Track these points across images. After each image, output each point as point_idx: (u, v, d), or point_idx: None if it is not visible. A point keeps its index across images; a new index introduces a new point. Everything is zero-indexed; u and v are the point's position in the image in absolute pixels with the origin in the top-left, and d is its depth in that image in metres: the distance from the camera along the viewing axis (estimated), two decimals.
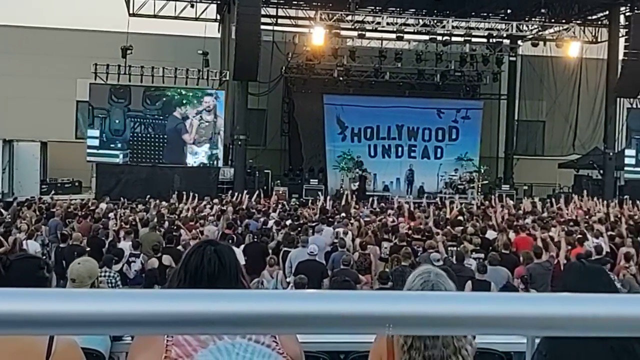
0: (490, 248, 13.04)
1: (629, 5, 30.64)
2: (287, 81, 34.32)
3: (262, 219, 17.12)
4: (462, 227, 15.26)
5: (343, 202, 22.46)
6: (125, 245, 12.79)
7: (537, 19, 33.09)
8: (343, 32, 31.72)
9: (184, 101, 29.04)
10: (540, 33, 33.34)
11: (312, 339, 4.22)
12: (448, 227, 15.44)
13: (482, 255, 11.96)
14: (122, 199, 22.84)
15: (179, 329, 1.24)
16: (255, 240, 13.84)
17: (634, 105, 31.98)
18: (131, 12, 31.32)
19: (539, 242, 12.72)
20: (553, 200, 23.90)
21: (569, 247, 12.82)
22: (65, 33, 33.66)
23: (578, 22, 32.91)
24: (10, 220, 16.93)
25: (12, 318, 1.07)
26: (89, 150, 28.89)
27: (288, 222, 16.61)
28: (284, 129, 35.07)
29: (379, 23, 31.06)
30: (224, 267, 2.71)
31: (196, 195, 21.28)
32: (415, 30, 32.61)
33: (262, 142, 32.65)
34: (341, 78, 33.18)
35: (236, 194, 23.86)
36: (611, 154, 30.73)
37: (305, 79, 33.50)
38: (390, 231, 15.48)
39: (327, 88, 33.46)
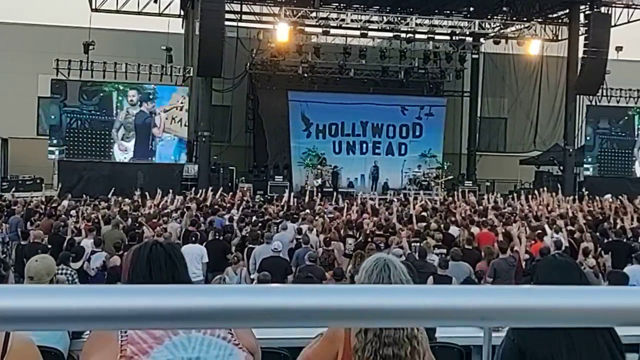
0: (453, 244, 13.14)
1: (588, 3, 31.19)
2: (251, 77, 34.18)
3: (226, 216, 17.06)
4: (425, 223, 15.38)
5: (307, 199, 22.50)
6: (87, 242, 12.63)
7: (499, 17, 33.49)
8: (307, 29, 31.73)
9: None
10: (502, 31, 33.81)
11: (273, 335, 4.20)
12: (412, 223, 15.56)
13: (445, 251, 12.06)
14: (84, 196, 22.60)
15: (147, 324, 1.24)
16: (218, 237, 13.79)
17: (593, 102, 32.55)
18: (93, 7, 30.84)
19: (500, 237, 12.89)
20: (515, 195, 24.22)
21: (530, 242, 13.03)
22: (27, 28, 33.07)
23: (539, 20, 33.37)
24: None
25: None
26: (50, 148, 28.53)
27: (253, 218, 16.58)
28: (249, 125, 34.95)
29: (343, 20, 31.11)
30: (173, 261, 2.70)
31: (161, 191, 21.18)
32: (379, 28, 32.75)
33: (226, 138, 32.43)
34: (306, 75, 33.19)
35: (200, 190, 23.71)
36: (571, 150, 31.20)
37: (269, 76, 33.39)
38: (354, 227, 15.55)
39: (292, 84, 33.45)
